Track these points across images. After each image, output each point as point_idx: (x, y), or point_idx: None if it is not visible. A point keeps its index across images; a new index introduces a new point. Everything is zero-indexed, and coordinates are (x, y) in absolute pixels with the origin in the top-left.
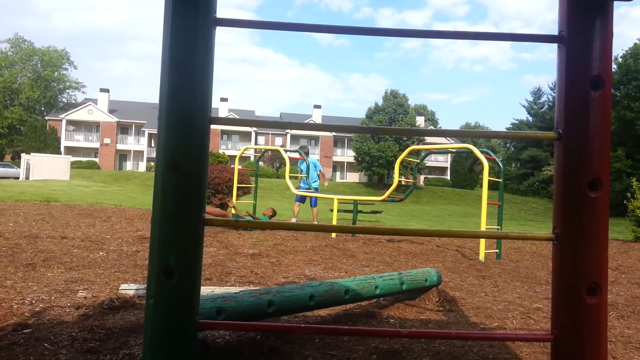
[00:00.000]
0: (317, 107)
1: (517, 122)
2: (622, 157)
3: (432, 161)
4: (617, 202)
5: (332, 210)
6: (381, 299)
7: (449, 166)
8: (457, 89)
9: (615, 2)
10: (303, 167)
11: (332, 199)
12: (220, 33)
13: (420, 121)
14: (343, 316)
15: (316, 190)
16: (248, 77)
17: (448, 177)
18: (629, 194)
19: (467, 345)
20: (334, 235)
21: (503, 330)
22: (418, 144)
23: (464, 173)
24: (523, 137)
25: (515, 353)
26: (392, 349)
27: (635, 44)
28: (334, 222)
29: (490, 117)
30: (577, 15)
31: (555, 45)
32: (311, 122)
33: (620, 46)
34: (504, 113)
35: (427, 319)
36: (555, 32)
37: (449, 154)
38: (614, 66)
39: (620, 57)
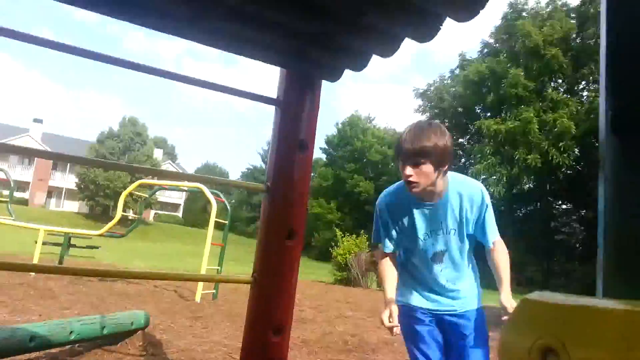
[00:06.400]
0: (38, 121)
1: (251, 167)
2: (333, 210)
3: (165, 197)
4: (325, 249)
5: (36, 242)
6: (76, 345)
7: (182, 203)
8: (204, 126)
9: (324, 81)
10: None
11: (38, 229)
12: None
13: (158, 154)
14: None
15: None
16: None
17: (180, 215)
18: (333, 242)
19: None
20: (33, 274)
21: None
22: (152, 178)
23: (197, 212)
24: (235, 186)
25: None
26: None
27: (352, 115)
28: (35, 259)
29: (230, 160)
30: (292, 85)
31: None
32: (28, 137)
33: (342, 116)
34: (243, 157)
35: None
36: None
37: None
38: (334, 131)
39: (340, 124)
